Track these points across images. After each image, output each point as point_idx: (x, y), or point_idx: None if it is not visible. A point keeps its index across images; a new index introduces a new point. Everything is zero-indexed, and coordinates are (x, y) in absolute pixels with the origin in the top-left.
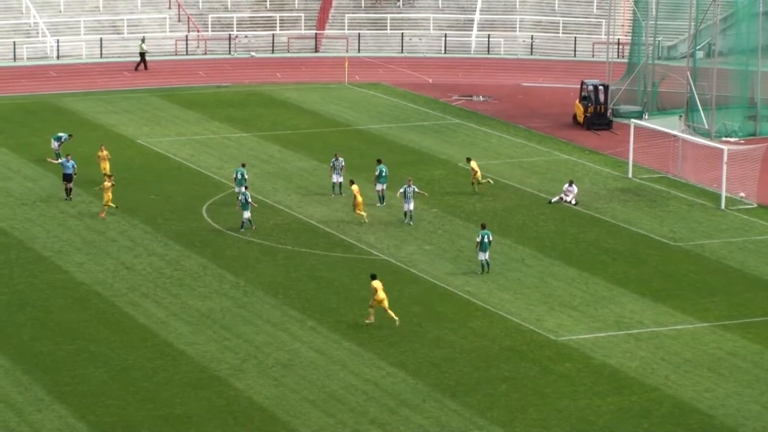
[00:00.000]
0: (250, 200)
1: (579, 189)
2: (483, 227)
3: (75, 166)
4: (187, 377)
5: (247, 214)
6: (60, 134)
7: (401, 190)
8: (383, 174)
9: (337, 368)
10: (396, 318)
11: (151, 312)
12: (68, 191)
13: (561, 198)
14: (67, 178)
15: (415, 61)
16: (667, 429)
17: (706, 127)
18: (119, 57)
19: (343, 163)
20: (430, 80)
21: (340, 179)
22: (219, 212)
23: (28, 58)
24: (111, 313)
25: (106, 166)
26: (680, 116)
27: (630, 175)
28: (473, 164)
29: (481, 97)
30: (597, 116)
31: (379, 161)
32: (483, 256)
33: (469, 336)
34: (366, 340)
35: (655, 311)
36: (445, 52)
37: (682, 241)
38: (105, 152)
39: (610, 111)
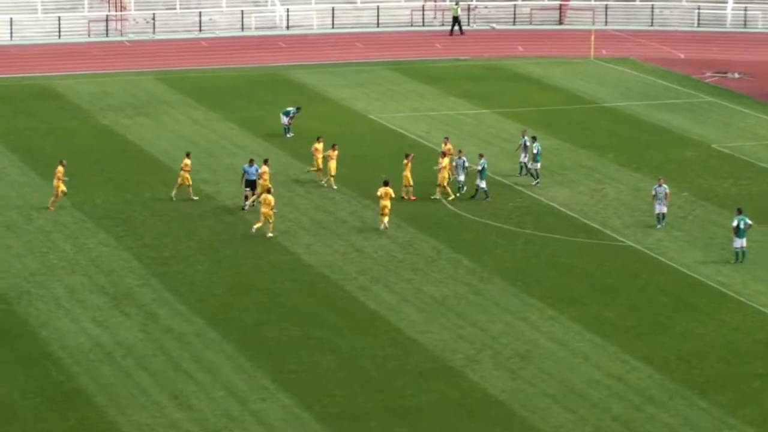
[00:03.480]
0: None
1: None
2: (739, 212)
3: (259, 171)
4: (419, 367)
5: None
6: (289, 108)
7: (653, 191)
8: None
9: (578, 361)
10: (386, 225)
11: (382, 297)
12: (247, 199)
13: None
14: (250, 185)
15: (665, 35)
16: None
17: None
18: (352, 27)
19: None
20: (682, 55)
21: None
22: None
23: (256, 28)
24: (339, 297)
25: (332, 166)
26: None
27: None
28: (319, 146)
29: (736, 74)
30: None
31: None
32: (739, 244)
33: (720, 329)
34: (610, 331)
35: None
36: (698, 26)
37: None
38: (335, 151)
39: None
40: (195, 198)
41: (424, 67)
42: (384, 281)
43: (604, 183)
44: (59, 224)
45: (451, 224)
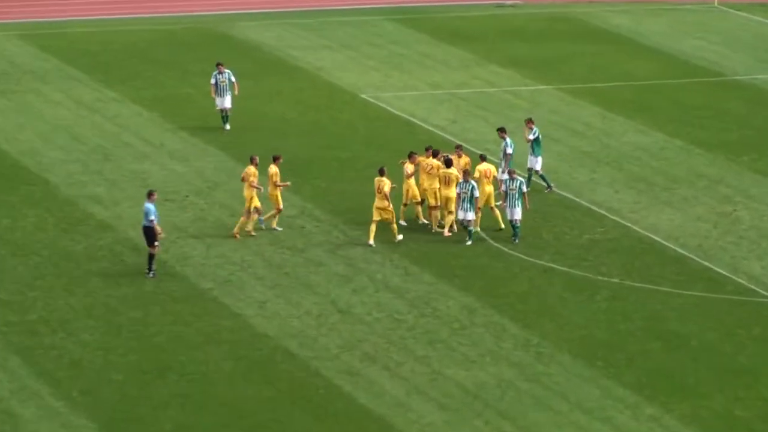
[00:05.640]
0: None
1: None
2: None
3: (156, 213)
4: None
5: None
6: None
7: None
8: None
9: None
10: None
11: (381, 386)
12: (150, 260)
13: None
14: (148, 234)
15: None
16: None
17: None
18: None
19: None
20: None
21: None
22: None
23: None
24: (312, 387)
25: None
26: None
27: None
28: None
29: None
30: None
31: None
32: None
33: None
34: None
35: None
36: None
37: None
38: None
39: None
40: (279, 229)
41: (448, 17)
42: (383, 360)
43: (736, 203)
44: None
45: (491, 269)
